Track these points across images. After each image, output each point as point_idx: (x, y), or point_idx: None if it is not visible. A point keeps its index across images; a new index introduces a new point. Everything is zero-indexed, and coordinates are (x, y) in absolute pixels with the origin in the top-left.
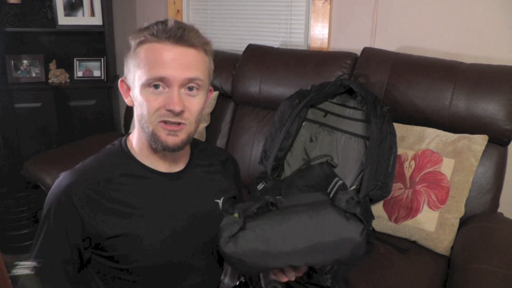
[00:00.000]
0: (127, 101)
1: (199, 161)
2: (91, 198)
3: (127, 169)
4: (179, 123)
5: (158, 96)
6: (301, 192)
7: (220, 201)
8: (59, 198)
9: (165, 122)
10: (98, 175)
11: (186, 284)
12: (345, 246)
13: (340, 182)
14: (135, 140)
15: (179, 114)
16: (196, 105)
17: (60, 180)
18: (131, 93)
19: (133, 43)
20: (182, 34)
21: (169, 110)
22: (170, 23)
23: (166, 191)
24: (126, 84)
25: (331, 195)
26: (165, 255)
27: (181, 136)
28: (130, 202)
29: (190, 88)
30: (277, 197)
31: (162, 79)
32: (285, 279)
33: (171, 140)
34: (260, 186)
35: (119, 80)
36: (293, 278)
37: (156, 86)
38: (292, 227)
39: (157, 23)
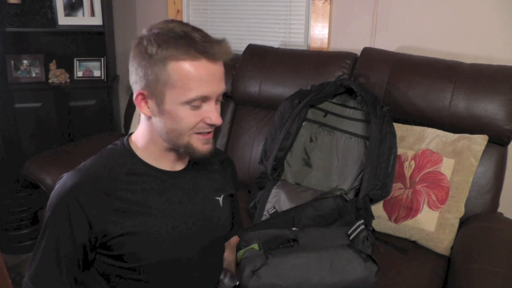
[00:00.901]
0: (143, 111)
1: (198, 161)
2: (97, 197)
3: (132, 168)
4: (211, 132)
5: (195, 111)
6: (312, 221)
7: (220, 199)
8: (64, 199)
9: (200, 133)
10: (104, 174)
11: (189, 281)
12: (359, 285)
13: (362, 227)
14: (144, 143)
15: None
16: (220, 112)
17: (64, 181)
18: (152, 105)
19: (160, 54)
20: (218, 52)
21: (209, 124)
22: (197, 36)
23: (170, 189)
24: (144, 95)
25: (351, 237)
26: (171, 252)
27: (212, 142)
28: (137, 200)
29: (219, 99)
30: (295, 229)
31: (204, 98)
32: None
33: (207, 148)
34: (271, 210)
35: (138, 92)
36: None
37: (197, 106)
38: (313, 266)
39: (185, 36)
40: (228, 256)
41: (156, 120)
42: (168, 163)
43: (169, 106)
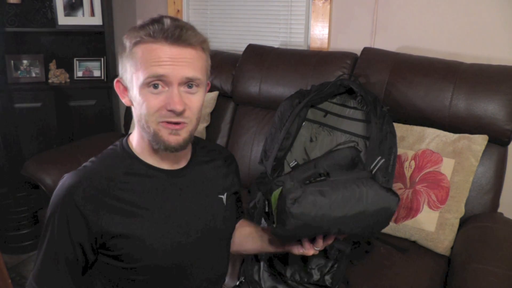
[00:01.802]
0: (124, 101)
1: (201, 158)
2: (94, 197)
3: (130, 168)
4: (180, 122)
5: (157, 95)
6: (331, 169)
7: (224, 197)
8: (61, 199)
9: (166, 122)
10: (101, 174)
11: (194, 282)
12: (382, 214)
13: (382, 161)
14: (136, 140)
15: (181, 113)
16: (196, 102)
17: (63, 181)
18: (129, 94)
19: (128, 43)
20: (179, 34)
21: (171, 110)
22: (167, 22)
23: (170, 189)
24: (123, 85)
25: (373, 172)
26: (172, 252)
27: (183, 135)
28: (135, 201)
29: (190, 86)
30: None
31: (161, 78)
32: (311, 252)
33: (174, 139)
34: (292, 163)
35: (115, 80)
36: (317, 251)
37: (156, 86)
38: (345, 195)
39: (152, 22)
40: (240, 235)
41: (133, 110)
42: (167, 162)
43: (135, 90)
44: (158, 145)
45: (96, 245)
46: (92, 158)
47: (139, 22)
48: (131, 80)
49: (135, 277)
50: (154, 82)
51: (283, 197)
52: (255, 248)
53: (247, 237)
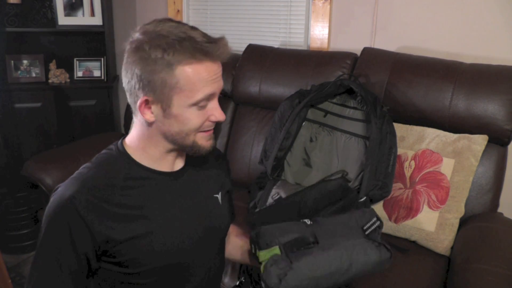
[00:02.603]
0: (147, 118)
1: (195, 159)
2: (96, 206)
3: (129, 172)
4: (212, 128)
5: (201, 111)
6: (317, 202)
7: (219, 196)
8: (63, 210)
9: (203, 130)
10: (101, 181)
11: (194, 281)
12: (375, 269)
13: (378, 223)
14: (141, 144)
15: None
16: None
17: (61, 192)
18: (157, 110)
19: (167, 58)
20: (221, 52)
21: (214, 122)
22: (198, 37)
23: (170, 190)
24: (149, 102)
25: (367, 232)
26: (175, 254)
27: (213, 137)
28: (137, 205)
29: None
30: (310, 223)
31: (208, 97)
32: None
33: (210, 144)
34: (275, 196)
35: (143, 99)
36: None
37: (204, 106)
38: (334, 263)
39: (188, 39)
40: (228, 243)
41: (159, 124)
42: (167, 164)
43: (176, 109)
44: (194, 151)
45: (99, 253)
46: (87, 164)
47: (158, 29)
48: (169, 97)
49: (137, 281)
50: (204, 103)
51: (267, 272)
52: (244, 261)
53: (237, 249)
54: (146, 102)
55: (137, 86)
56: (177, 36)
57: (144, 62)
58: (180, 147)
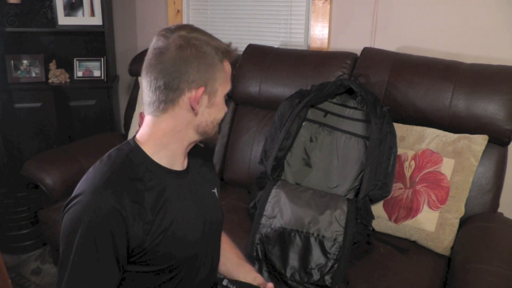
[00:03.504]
0: (195, 106)
1: (193, 157)
2: (133, 209)
3: (148, 170)
4: None
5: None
6: None
7: (215, 191)
8: (106, 220)
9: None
10: (127, 184)
11: (203, 272)
12: None
13: None
14: (162, 140)
15: None
16: None
17: (93, 201)
18: (205, 100)
19: (218, 56)
20: (235, 53)
21: (225, 113)
22: (220, 41)
23: (184, 187)
24: (202, 93)
25: None
26: (193, 245)
27: None
28: (160, 202)
29: None
30: None
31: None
32: None
33: (218, 136)
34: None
35: (202, 90)
36: None
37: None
38: None
39: (218, 42)
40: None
41: (199, 115)
42: (179, 162)
43: (219, 98)
44: (210, 142)
45: (131, 256)
46: (101, 166)
47: (195, 34)
48: (216, 88)
49: (158, 278)
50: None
51: None
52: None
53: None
54: (199, 94)
55: (184, 81)
56: (211, 39)
57: (200, 59)
58: (205, 138)
